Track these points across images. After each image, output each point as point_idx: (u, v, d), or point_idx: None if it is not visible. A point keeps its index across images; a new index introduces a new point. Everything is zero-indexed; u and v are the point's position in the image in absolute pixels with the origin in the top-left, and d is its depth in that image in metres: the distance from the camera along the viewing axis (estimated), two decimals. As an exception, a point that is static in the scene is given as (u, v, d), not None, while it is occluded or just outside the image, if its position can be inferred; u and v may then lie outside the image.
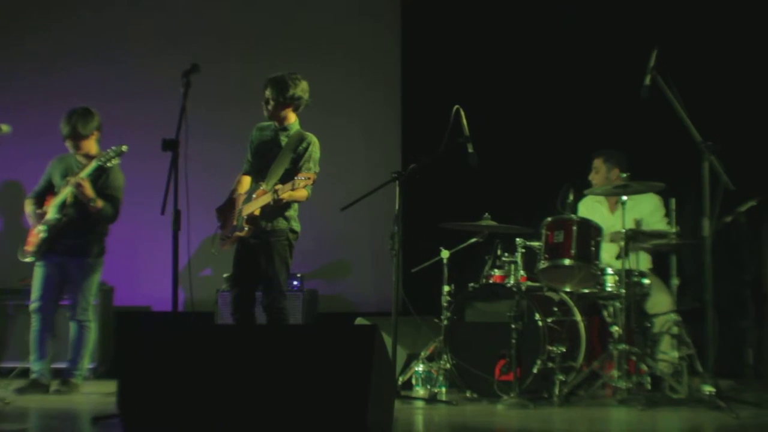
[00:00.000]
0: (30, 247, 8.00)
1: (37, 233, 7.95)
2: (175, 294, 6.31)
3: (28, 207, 8.10)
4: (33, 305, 8.04)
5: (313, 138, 7.26)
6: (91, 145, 8.05)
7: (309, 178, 6.77)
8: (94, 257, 8.04)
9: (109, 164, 7.85)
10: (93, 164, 7.85)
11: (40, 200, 8.08)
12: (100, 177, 7.91)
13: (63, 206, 7.89)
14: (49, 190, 8.11)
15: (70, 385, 7.96)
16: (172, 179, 6.27)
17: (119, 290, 9.91)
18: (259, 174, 7.29)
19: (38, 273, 8.04)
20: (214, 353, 4.97)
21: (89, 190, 7.79)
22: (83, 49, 10.53)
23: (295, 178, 6.82)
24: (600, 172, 8.15)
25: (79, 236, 7.96)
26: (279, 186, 6.89)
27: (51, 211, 7.92)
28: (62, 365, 8.19)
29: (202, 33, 10.46)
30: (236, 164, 7.61)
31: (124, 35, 10.57)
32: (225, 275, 8.68)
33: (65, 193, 7.87)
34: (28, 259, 8.04)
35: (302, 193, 6.99)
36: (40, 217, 7.97)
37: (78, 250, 7.98)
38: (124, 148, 7.85)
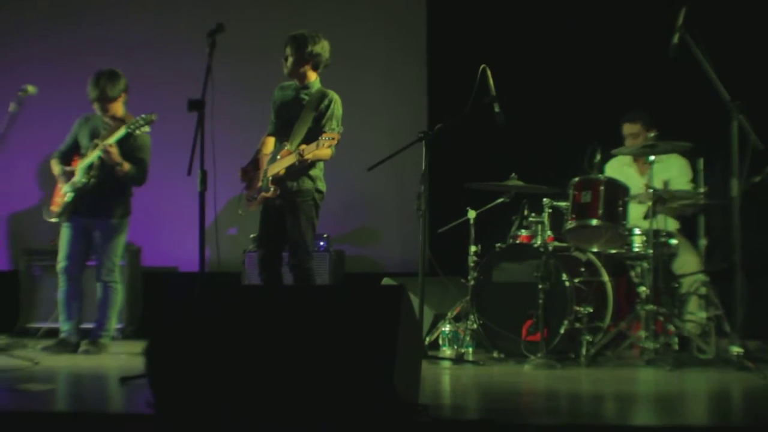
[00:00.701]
0: (55, 207, 8.04)
1: (64, 194, 7.98)
2: (202, 254, 6.32)
3: (56, 167, 8.11)
4: (60, 266, 8.08)
5: (334, 95, 7.24)
6: (119, 107, 8.06)
7: (333, 138, 6.76)
8: (119, 218, 8.07)
9: (138, 132, 7.85)
10: (122, 130, 7.84)
11: (66, 159, 8.10)
12: (127, 140, 7.91)
13: (90, 168, 7.91)
14: (74, 149, 8.13)
15: (98, 345, 8.01)
16: (198, 139, 6.27)
17: (146, 251, 9.94)
18: (282, 134, 7.29)
19: (65, 234, 8.08)
20: (241, 314, 4.97)
21: (117, 156, 7.81)
22: (107, 7, 10.50)
23: (320, 137, 6.81)
24: (640, 137, 8.05)
25: (105, 198, 7.98)
26: (303, 146, 6.89)
27: (78, 174, 7.94)
28: (90, 325, 8.23)
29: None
30: (262, 123, 7.61)
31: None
32: (252, 236, 8.68)
33: (93, 156, 7.88)
34: (53, 219, 8.08)
35: (326, 152, 6.98)
36: (69, 176, 7.99)
37: (103, 211, 8.01)
38: (154, 117, 7.86)
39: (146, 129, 7.88)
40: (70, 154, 8.12)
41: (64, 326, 8.10)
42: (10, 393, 5.87)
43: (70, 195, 7.95)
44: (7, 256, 10.24)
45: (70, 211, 8.00)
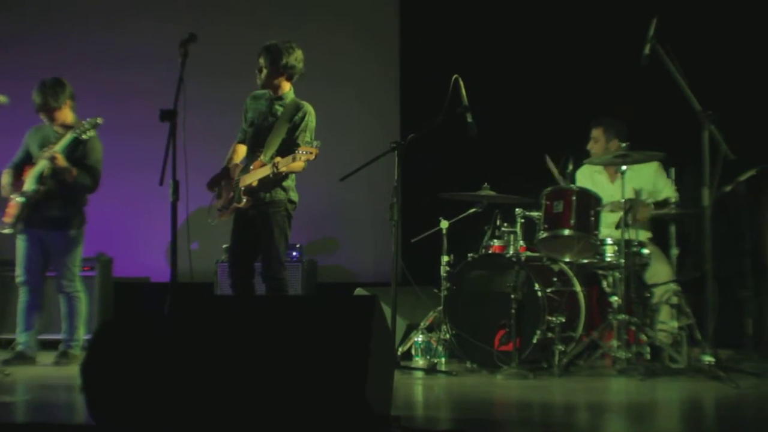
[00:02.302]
0: (8, 218, 7.98)
1: (17, 204, 7.93)
2: (174, 265, 6.29)
3: (5, 178, 8.07)
4: (19, 279, 8.08)
5: (309, 107, 7.24)
6: (66, 115, 8.04)
7: (311, 153, 6.73)
8: (76, 229, 8.05)
9: (84, 136, 7.83)
10: (69, 136, 7.85)
11: (19, 171, 8.05)
12: (77, 148, 7.88)
13: (40, 177, 7.87)
14: (27, 160, 8.09)
15: (69, 356, 7.98)
16: (170, 150, 6.25)
17: (118, 261, 9.90)
18: (255, 144, 7.27)
19: (20, 247, 8.06)
20: (213, 324, 4.95)
21: (63, 162, 7.78)
22: (77, 19, 10.47)
23: (297, 151, 6.79)
24: (599, 142, 8.12)
25: (59, 209, 7.96)
26: (279, 159, 6.87)
27: (28, 182, 7.91)
28: (54, 336, 8.21)
29: (199, 1, 10.41)
30: (235, 134, 7.58)
31: (120, 3, 10.50)
32: (224, 246, 8.66)
33: (42, 164, 7.85)
34: (6, 231, 8.02)
35: (299, 165, 6.97)
36: (17, 187, 7.95)
37: (58, 223, 7.98)
38: (99, 120, 7.87)
39: (92, 133, 7.86)
40: (22, 166, 8.08)
41: (20, 338, 8.08)
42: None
43: (21, 200, 7.90)
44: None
45: (24, 219, 7.94)
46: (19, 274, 8.05)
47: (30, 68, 10.05)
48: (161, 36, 9.73)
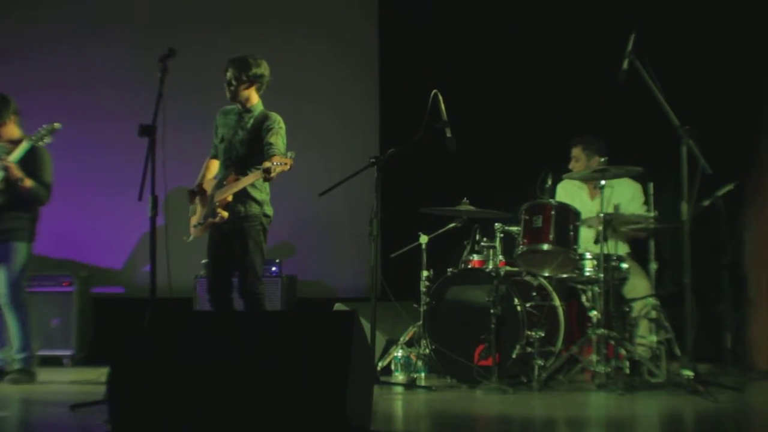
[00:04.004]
0: None
1: None
2: (153, 280, 6.28)
3: None
4: None
5: (277, 117, 7.21)
6: (12, 130, 7.97)
7: (286, 164, 6.70)
8: (26, 241, 7.92)
9: (41, 143, 7.77)
10: (24, 145, 7.76)
11: None
12: (29, 160, 7.79)
13: None
14: None
15: (28, 373, 7.86)
16: (149, 165, 6.24)
17: (97, 277, 9.87)
18: (227, 158, 7.25)
19: None
20: (192, 339, 4.95)
21: (17, 171, 7.70)
22: (55, 36, 10.44)
23: (274, 160, 6.73)
24: (580, 160, 8.13)
25: (11, 220, 7.85)
26: (268, 164, 6.76)
27: None
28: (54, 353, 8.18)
29: (176, 17, 10.40)
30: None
31: (97, 21, 10.47)
32: (203, 261, 8.65)
33: None
34: None
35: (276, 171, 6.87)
36: None
37: (10, 235, 7.85)
38: (57, 125, 7.78)
39: (49, 139, 7.78)
40: None
41: None
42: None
43: None
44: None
45: None
46: None
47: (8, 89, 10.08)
48: (138, 52, 9.73)
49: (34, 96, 8.85)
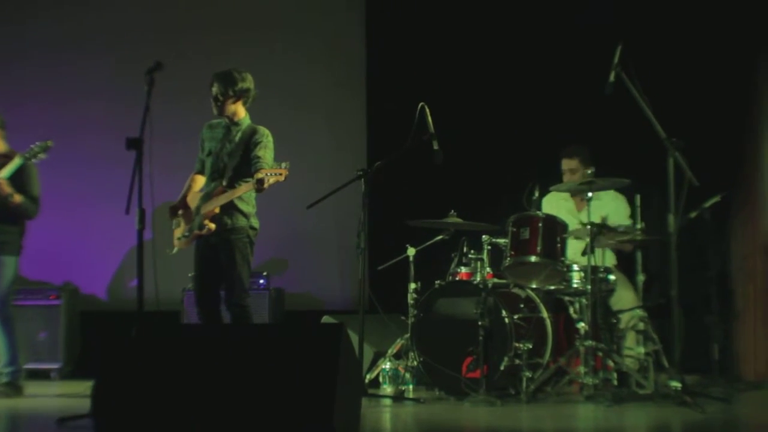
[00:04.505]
0: None
1: None
2: (141, 293, 6.27)
3: None
4: None
5: (265, 130, 7.22)
6: None
7: (281, 174, 6.69)
8: (12, 255, 7.89)
9: (34, 160, 7.76)
10: (17, 161, 7.74)
11: None
12: (18, 174, 7.77)
13: None
14: None
15: (15, 386, 7.83)
16: (136, 178, 6.24)
17: (84, 290, 9.85)
18: (215, 171, 7.24)
19: None
20: (180, 352, 4.94)
21: (7, 187, 7.68)
22: (41, 48, 10.43)
23: (268, 171, 6.72)
24: (577, 172, 8.06)
25: None
26: (261, 175, 6.74)
27: None
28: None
29: (162, 29, 10.39)
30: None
31: (83, 33, 10.46)
32: (191, 274, 8.64)
33: None
34: None
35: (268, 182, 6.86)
36: None
37: None
38: (50, 143, 7.76)
39: (43, 156, 7.77)
40: None
41: None
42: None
43: None
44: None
45: None
46: None
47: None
48: (125, 64, 9.72)
49: (19, 109, 8.83)
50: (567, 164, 8.21)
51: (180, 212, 7.31)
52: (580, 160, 8.13)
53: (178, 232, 7.30)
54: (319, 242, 10.23)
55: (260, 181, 6.70)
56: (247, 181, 6.87)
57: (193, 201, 7.28)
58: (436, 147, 7.35)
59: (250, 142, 7.15)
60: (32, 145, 7.76)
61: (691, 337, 7.33)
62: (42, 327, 9.31)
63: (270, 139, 7.19)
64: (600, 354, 7.15)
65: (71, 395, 7.68)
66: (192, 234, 7.15)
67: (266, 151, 7.12)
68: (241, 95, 7.22)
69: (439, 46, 9.88)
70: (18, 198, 7.73)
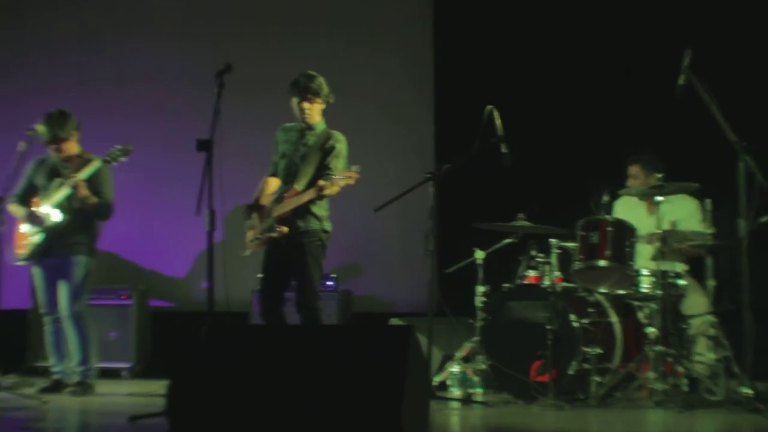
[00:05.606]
0: (23, 250, 7.94)
1: (31, 235, 7.90)
2: (211, 295, 6.32)
3: (19, 210, 7.99)
4: (41, 310, 8.06)
5: (340, 135, 7.25)
6: (72, 146, 8.02)
7: (351, 177, 6.72)
8: (86, 255, 7.97)
9: (114, 163, 7.82)
10: (96, 163, 7.79)
11: (24, 202, 7.99)
12: (94, 176, 7.83)
13: (63, 207, 7.82)
14: (30, 192, 8.03)
15: (85, 385, 7.93)
16: (206, 179, 6.29)
17: (155, 291, 9.95)
18: (288, 174, 7.27)
19: (37, 277, 8.02)
20: (249, 354, 4.97)
21: (85, 190, 7.74)
22: (116, 51, 10.55)
23: (338, 175, 6.75)
24: (639, 178, 8.05)
25: (73, 235, 7.89)
26: (322, 182, 6.80)
27: (50, 214, 7.81)
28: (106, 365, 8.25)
29: (231, 27, 10.45)
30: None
31: (158, 38, 10.57)
32: (259, 276, 8.70)
33: (62, 193, 7.78)
34: (21, 263, 8.00)
35: (335, 189, 6.91)
36: (35, 217, 7.88)
37: (72, 249, 7.91)
38: (130, 147, 7.82)
39: (123, 160, 7.84)
40: (27, 197, 8.00)
41: (56, 367, 8.07)
42: (18, 432, 5.88)
43: (41, 236, 7.86)
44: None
45: (40, 252, 7.92)
46: (41, 305, 8.03)
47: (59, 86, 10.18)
48: (194, 66, 9.79)
49: (91, 110, 8.93)
50: (630, 170, 8.19)
51: (254, 214, 7.34)
52: (642, 166, 8.09)
53: (251, 234, 7.33)
54: (387, 244, 10.23)
55: (320, 188, 6.76)
56: (317, 186, 6.90)
57: (266, 202, 7.31)
58: (504, 150, 7.34)
59: (324, 147, 7.18)
60: (112, 148, 7.82)
61: (762, 344, 7.24)
62: (113, 326, 9.41)
63: (343, 145, 7.22)
64: (670, 359, 7.10)
65: (142, 394, 7.77)
66: (264, 236, 7.18)
67: (338, 160, 7.14)
68: (326, 102, 7.25)
69: (508, 46, 9.84)
70: (94, 200, 7.81)
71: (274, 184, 7.41)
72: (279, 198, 7.21)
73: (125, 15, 10.67)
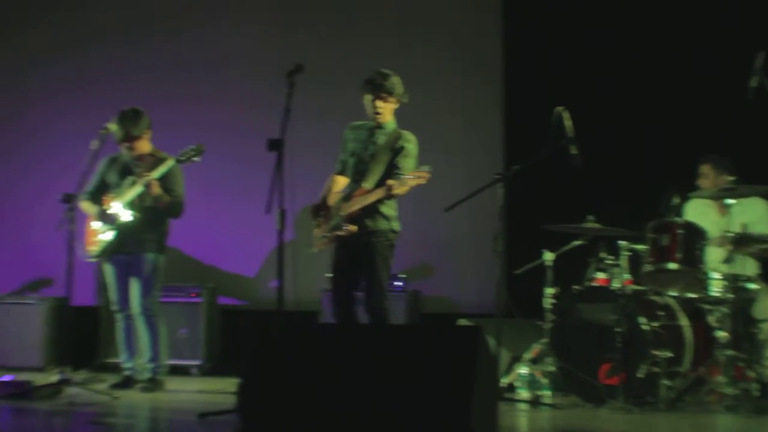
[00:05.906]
0: (94, 247, 8.03)
1: (103, 232, 7.99)
2: (281, 293, 6.36)
3: (91, 207, 8.09)
4: (113, 307, 8.15)
5: (410, 135, 7.25)
6: (145, 145, 8.08)
7: (422, 177, 6.72)
8: (158, 253, 8.05)
9: (188, 163, 7.88)
10: (170, 162, 7.86)
11: (96, 200, 8.09)
12: (166, 175, 7.90)
13: (135, 206, 7.90)
14: (102, 189, 8.12)
15: (155, 382, 8.01)
16: (277, 179, 6.33)
17: (224, 289, 10.01)
18: (357, 173, 7.29)
19: (109, 274, 8.11)
20: (321, 352, 5.00)
21: (158, 188, 7.81)
22: (188, 52, 10.62)
23: (407, 175, 6.76)
24: (709, 177, 8.01)
25: (144, 232, 7.97)
26: (392, 182, 6.81)
27: (122, 212, 7.89)
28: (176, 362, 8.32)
29: (300, 28, 10.48)
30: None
31: (228, 37, 10.63)
32: (329, 275, 8.73)
33: (135, 191, 7.85)
34: (92, 260, 8.10)
35: (405, 189, 6.91)
36: (106, 215, 7.97)
37: (143, 247, 7.99)
38: (203, 147, 7.86)
39: (197, 160, 7.89)
40: (99, 195, 8.10)
41: (127, 363, 8.16)
42: (90, 427, 5.95)
43: (114, 234, 7.95)
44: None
45: (111, 249, 8.01)
46: (113, 302, 8.12)
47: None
48: (265, 66, 9.86)
49: (163, 110, 9.02)
50: (701, 169, 8.14)
51: (321, 212, 7.37)
52: (712, 166, 8.03)
53: (318, 232, 7.36)
54: (456, 245, 10.20)
55: (389, 188, 6.76)
56: (385, 185, 6.90)
57: (333, 201, 7.33)
58: (574, 152, 7.31)
59: (394, 146, 7.19)
60: (185, 148, 7.89)
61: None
62: (183, 324, 9.47)
63: (413, 145, 7.21)
64: (741, 364, 7.03)
65: (211, 391, 7.83)
66: (331, 234, 7.20)
67: (407, 160, 7.14)
68: (400, 101, 7.26)
69: (579, 45, 9.78)
70: (166, 198, 7.90)
71: (340, 182, 7.43)
72: (347, 196, 7.23)
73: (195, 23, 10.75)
